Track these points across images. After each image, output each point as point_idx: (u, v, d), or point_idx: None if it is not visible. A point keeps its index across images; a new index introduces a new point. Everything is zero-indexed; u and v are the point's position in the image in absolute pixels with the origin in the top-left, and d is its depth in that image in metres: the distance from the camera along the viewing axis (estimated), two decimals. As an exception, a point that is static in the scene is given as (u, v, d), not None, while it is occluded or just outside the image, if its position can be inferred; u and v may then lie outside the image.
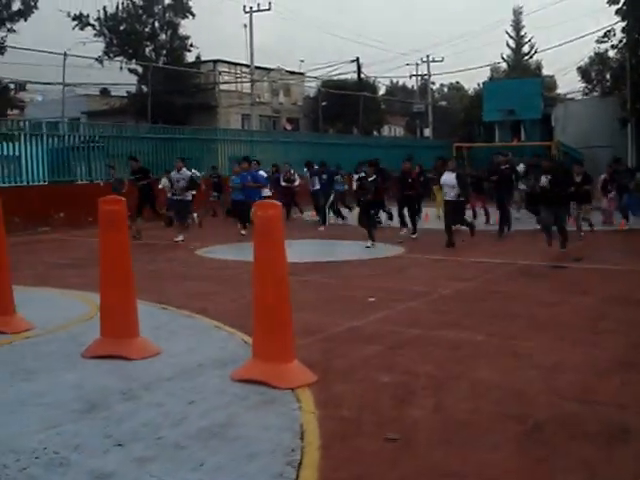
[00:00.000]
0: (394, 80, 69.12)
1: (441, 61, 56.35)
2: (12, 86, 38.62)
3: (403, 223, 18.01)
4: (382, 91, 59.68)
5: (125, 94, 43.43)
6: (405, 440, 4.61)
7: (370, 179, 15.85)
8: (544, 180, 13.68)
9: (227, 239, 17.28)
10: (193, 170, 18.21)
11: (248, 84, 42.95)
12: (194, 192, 17.73)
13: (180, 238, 16.61)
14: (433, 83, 64.63)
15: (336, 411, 5.17)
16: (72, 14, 41.03)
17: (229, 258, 13.87)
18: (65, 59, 22.87)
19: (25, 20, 37.42)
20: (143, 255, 13.54)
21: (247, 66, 42.06)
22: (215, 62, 44.62)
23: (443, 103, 67.70)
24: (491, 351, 6.81)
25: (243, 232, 17.06)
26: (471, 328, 7.73)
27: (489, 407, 5.23)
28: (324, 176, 20.28)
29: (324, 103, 42.77)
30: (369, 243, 15.11)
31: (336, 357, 6.58)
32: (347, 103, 42.89)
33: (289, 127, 46.09)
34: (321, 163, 21.83)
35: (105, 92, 46.77)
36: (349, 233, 18.31)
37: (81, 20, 41.24)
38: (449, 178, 15.64)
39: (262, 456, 4.38)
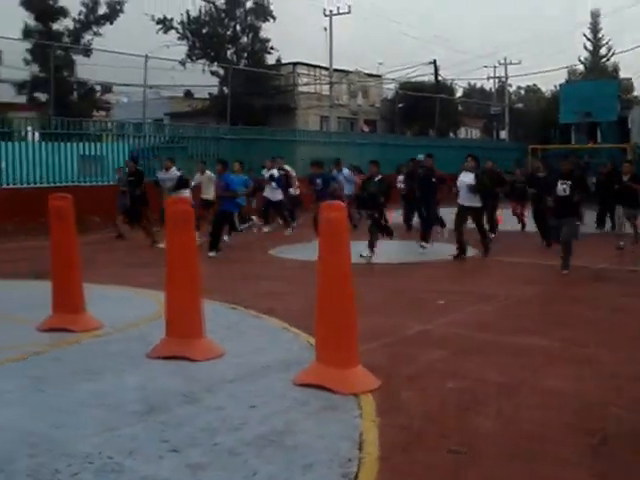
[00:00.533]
0: (471, 82, 68.26)
1: (518, 63, 55.41)
2: (98, 88, 39.55)
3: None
4: (459, 93, 59.00)
5: (207, 96, 43.97)
6: (469, 452, 4.42)
7: (376, 179, 13.34)
8: (561, 188, 11.32)
9: (300, 238, 17.07)
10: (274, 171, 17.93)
11: (327, 86, 42.97)
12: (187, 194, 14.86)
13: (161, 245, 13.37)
14: (510, 85, 63.49)
15: (398, 419, 5.01)
16: (156, 18, 41.83)
17: (302, 258, 13.69)
18: (147, 62, 23.25)
19: (111, 24, 38.28)
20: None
21: (326, 68, 42.09)
22: (295, 64, 44.78)
23: (520, 105, 66.44)
24: (562, 358, 6.54)
25: (211, 254, 13.55)
26: (541, 333, 7.45)
27: (558, 418, 5.00)
28: (318, 180, 16.00)
29: (401, 105, 42.47)
30: (365, 252, 12.77)
31: (401, 362, 6.42)
32: (424, 105, 42.48)
33: (366, 129, 45.90)
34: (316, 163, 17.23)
35: (188, 94, 47.45)
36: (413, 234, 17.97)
37: (165, 24, 41.93)
38: (466, 179, 13.41)
39: (317, 467, 4.25)
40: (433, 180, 15.09)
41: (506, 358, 6.54)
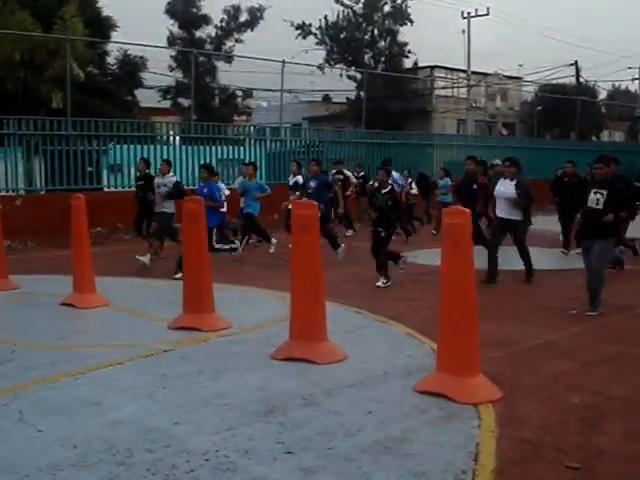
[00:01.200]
0: (615, 84, 65.54)
1: (666, 64, 52.73)
2: (239, 93, 40.70)
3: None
4: (602, 95, 56.72)
5: (344, 100, 44.34)
6: (587, 470, 4.24)
7: (384, 190, 11.07)
8: (593, 197, 8.79)
9: (435, 243, 16.83)
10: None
11: (464, 89, 42.41)
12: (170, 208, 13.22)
13: (144, 259, 12.52)
14: (657, 86, 60.54)
15: (517, 432, 4.87)
16: (295, 24, 42.60)
17: (434, 263, 13.48)
18: (283, 67, 23.61)
19: (252, 30, 39.38)
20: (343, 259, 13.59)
21: (464, 71, 41.56)
22: (432, 68, 44.51)
23: (667, 107, 63.15)
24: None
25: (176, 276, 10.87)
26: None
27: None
28: (312, 183, 13.68)
29: (540, 107, 41.26)
30: (380, 281, 10.81)
31: (525, 372, 6.24)
32: (565, 108, 41.12)
33: (505, 132, 44.98)
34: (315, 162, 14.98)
35: (326, 98, 48.02)
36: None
37: (303, 29, 42.72)
38: (505, 189, 11.08)
39: (431, 476, 4.19)
40: (474, 187, 12.20)
41: (637, 373, 6.22)
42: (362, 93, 32.19)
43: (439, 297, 5.72)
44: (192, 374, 6.25)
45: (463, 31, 40.38)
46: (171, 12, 39.25)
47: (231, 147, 22.37)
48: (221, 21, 40.15)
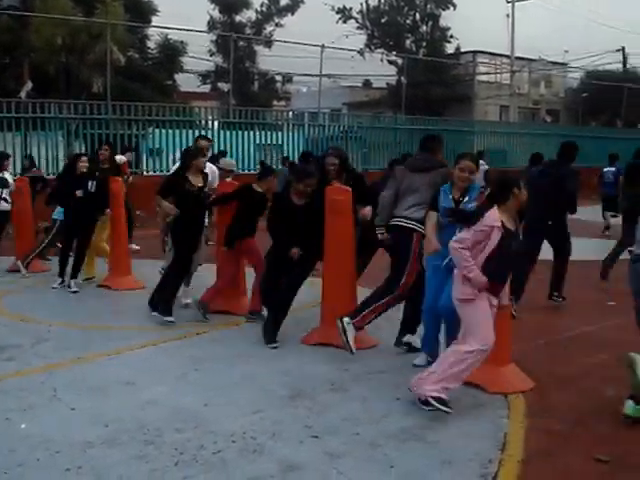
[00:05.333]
0: (667, 70, 64.19)
1: None
2: (279, 78, 40.72)
3: None
4: (651, 82, 55.54)
5: (385, 86, 44.06)
6: (616, 463, 4.18)
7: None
8: None
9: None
10: None
11: (507, 75, 41.85)
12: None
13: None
14: None
15: (546, 423, 4.81)
16: (336, 7, 42.39)
17: None
18: (322, 52, 23.54)
19: (292, 14, 39.30)
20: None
21: (507, 57, 40.98)
22: (475, 53, 43.93)
23: None
24: None
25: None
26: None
27: None
28: None
29: (585, 94, 40.62)
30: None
31: (559, 363, 6.16)
32: (611, 95, 40.39)
33: (549, 119, 44.32)
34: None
35: (366, 84, 47.78)
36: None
37: (344, 13, 42.45)
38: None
39: (456, 464, 4.16)
40: None
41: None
42: (402, 78, 31.94)
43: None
44: (223, 357, 6.30)
45: (507, 15, 39.84)
46: (212, -4, 39.39)
47: (270, 132, 22.40)
48: (261, 5, 40.24)
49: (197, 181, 7.59)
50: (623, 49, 44.07)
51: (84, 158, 9.50)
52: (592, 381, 5.70)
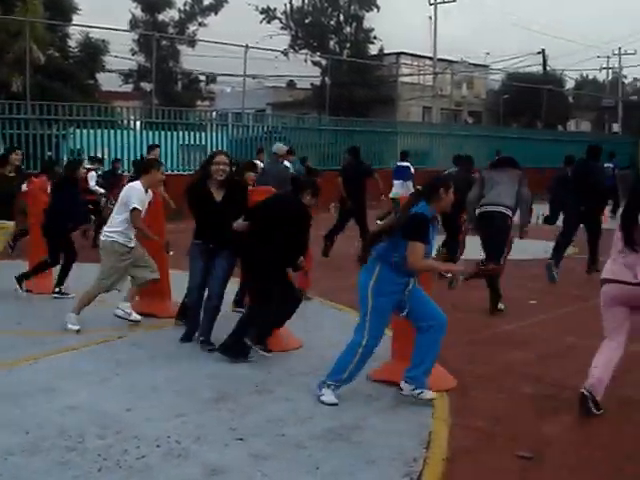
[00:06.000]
0: (584, 73, 66.05)
1: (634, 54, 53.23)
2: (202, 78, 40.35)
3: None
4: (570, 84, 57.11)
5: (309, 86, 44.19)
6: (538, 459, 4.27)
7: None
8: None
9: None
10: None
11: (430, 77, 42.49)
12: None
13: None
14: (625, 77, 61.19)
15: (469, 421, 4.88)
16: (260, 8, 42.27)
17: None
18: (246, 52, 23.44)
19: (216, 14, 38.97)
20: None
21: (430, 58, 41.61)
22: (398, 54, 44.46)
23: (635, 98, 63.85)
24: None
25: None
26: (636, 340, 7.08)
27: (633, 430, 4.74)
28: None
29: (507, 96, 41.51)
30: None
31: (481, 362, 6.27)
32: (531, 97, 41.38)
33: (470, 120, 45.18)
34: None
35: (290, 84, 47.83)
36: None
37: (268, 13, 42.38)
38: None
39: (381, 464, 4.19)
40: None
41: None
42: (327, 79, 32.12)
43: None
44: (145, 361, 6.21)
45: (430, 17, 40.45)
46: (134, -5, 38.78)
47: (193, 133, 22.18)
48: (185, 4, 39.74)
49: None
50: (543, 51, 45.22)
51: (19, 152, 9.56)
52: (512, 379, 5.81)
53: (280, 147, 11.85)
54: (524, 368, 6.11)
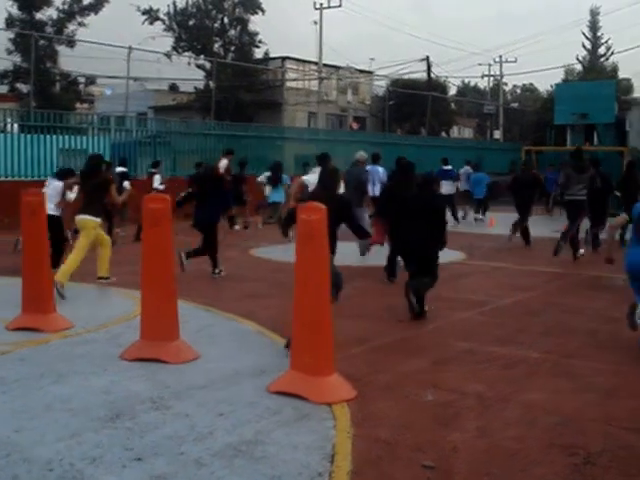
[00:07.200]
0: (465, 80, 68.12)
1: (514, 62, 55.26)
2: (82, 80, 39.11)
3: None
4: (453, 91, 58.68)
5: (193, 90, 43.62)
6: (443, 468, 4.26)
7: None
8: None
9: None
10: None
11: (316, 82, 42.73)
12: None
13: None
14: (505, 84, 63.47)
15: (372, 431, 4.84)
16: (142, 8, 41.43)
17: (286, 260, 13.19)
18: (129, 53, 22.92)
19: (96, 14, 37.79)
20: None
21: (316, 63, 41.85)
22: (284, 59, 44.49)
23: (515, 105, 66.31)
24: (546, 371, 6.37)
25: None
26: (527, 344, 7.29)
27: (538, 435, 4.82)
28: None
29: (392, 102, 42.18)
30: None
31: (380, 370, 6.24)
32: (416, 103, 42.24)
33: (355, 126, 45.67)
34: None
35: (173, 88, 47.10)
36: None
37: (151, 14, 41.57)
38: None
39: (286, 479, 4.07)
40: None
41: (488, 369, 6.36)
42: (211, 83, 31.77)
43: (294, 294, 5.62)
44: (33, 378, 5.86)
45: (315, 22, 40.70)
46: (10, -9, 37.18)
47: (74, 136, 21.46)
48: (63, 3, 38.37)
49: None
50: (427, 58, 46.01)
51: None
52: (412, 387, 5.80)
53: (362, 155, 13.37)
54: (423, 375, 6.14)
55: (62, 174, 11.48)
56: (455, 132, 57.15)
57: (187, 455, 4.38)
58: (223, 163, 17.71)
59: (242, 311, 8.50)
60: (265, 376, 5.90)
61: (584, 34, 56.01)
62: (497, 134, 53.34)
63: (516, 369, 6.39)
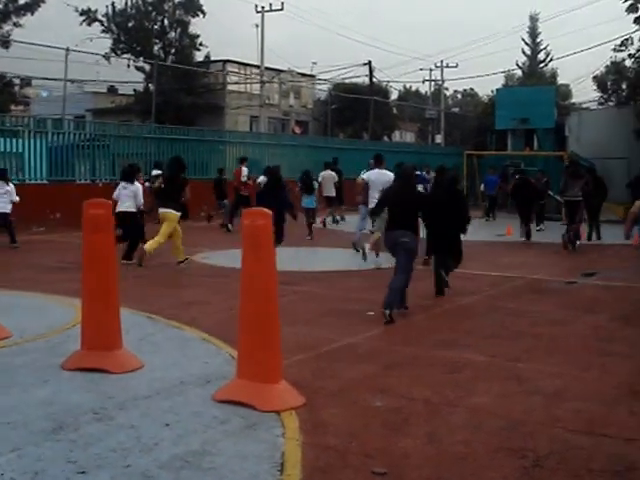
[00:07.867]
0: (407, 85, 68.62)
1: (455, 67, 55.92)
2: (17, 81, 38.23)
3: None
4: (394, 96, 59.05)
5: (132, 92, 43.06)
6: (393, 475, 4.22)
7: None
8: None
9: (227, 245, 16.41)
10: None
11: (257, 85, 42.59)
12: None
13: None
14: (447, 89, 64.22)
15: (322, 439, 4.79)
16: (80, 9, 40.63)
17: (228, 265, 12.76)
18: (67, 55, 22.49)
19: (32, 14, 36.91)
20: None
21: (257, 67, 41.71)
22: (225, 62, 44.25)
23: (456, 110, 67.11)
24: (492, 374, 6.41)
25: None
26: (472, 347, 7.33)
27: (486, 439, 4.83)
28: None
29: (334, 106, 42.31)
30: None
31: (327, 377, 6.20)
32: (358, 107, 42.42)
33: (298, 130, 45.67)
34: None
35: (112, 90, 46.44)
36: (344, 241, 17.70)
37: (89, 15, 40.79)
38: None
39: (236, 491, 4.01)
40: None
41: (435, 374, 6.36)
42: (151, 85, 31.39)
43: (239, 301, 5.55)
44: (-32, 391, 5.68)
45: (257, 26, 40.53)
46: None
47: (8, 139, 20.93)
48: (-3, 3, 37.50)
49: None
50: (370, 63, 46.07)
51: None
52: (360, 393, 5.76)
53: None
54: (370, 381, 6.10)
55: (130, 174, 13.49)
56: (397, 136, 57.58)
57: (133, 467, 4.27)
58: (245, 172, 19.99)
59: (185, 318, 8.39)
60: (211, 385, 5.81)
61: (524, 40, 56.98)
62: (439, 138, 53.99)
63: (463, 373, 6.41)
